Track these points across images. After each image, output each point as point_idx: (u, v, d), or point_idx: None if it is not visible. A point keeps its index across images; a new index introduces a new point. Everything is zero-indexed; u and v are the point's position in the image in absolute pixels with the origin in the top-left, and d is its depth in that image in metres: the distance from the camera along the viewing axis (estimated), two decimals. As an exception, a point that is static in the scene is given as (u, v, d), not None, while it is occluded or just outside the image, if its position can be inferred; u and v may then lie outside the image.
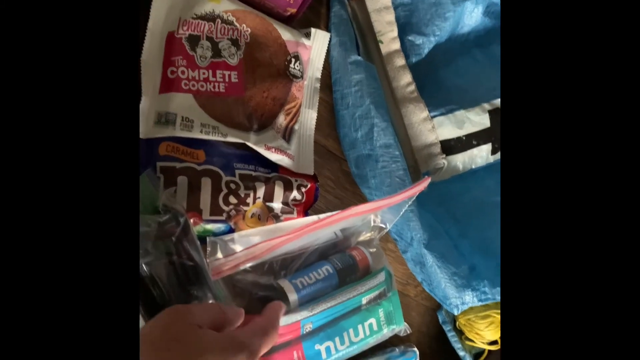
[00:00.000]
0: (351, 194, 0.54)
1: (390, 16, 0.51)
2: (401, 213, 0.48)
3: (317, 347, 0.46)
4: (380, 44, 0.52)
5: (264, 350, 0.35)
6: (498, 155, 0.57)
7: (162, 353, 0.29)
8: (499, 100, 0.55)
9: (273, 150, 0.46)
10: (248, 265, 0.44)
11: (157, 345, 0.29)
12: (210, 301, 0.40)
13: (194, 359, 0.29)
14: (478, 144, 0.55)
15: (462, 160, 0.55)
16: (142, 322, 0.37)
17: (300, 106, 0.49)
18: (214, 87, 0.43)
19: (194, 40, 0.42)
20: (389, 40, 0.52)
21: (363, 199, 0.54)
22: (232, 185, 0.44)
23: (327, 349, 0.47)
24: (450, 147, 0.54)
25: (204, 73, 0.43)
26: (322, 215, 0.45)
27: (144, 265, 0.37)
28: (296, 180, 0.48)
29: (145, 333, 0.30)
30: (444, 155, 0.53)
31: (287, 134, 0.48)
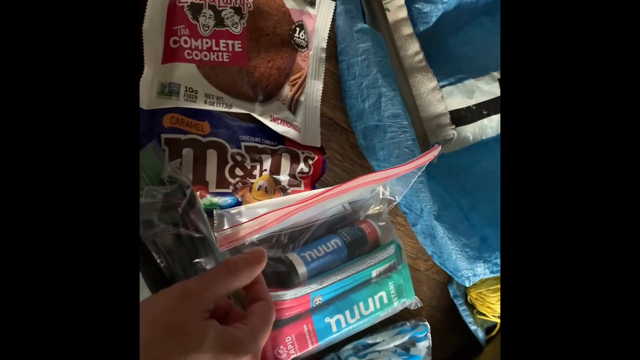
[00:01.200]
0: (359, 166, 0.53)
1: (397, -17, 0.50)
2: (410, 184, 0.47)
3: (327, 320, 0.46)
4: (386, 12, 0.50)
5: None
6: (509, 126, 0.56)
7: (160, 344, 0.27)
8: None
9: (279, 121, 0.45)
10: (256, 237, 0.43)
11: (158, 331, 0.28)
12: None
13: (191, 354, 0.28)
14: (488, 114, 0.53)
15: (472, 130, 0.54)
16: (148, 294, 0.37)
17: (305, 77, 0.48)
18: (217, 56, 0.42)
19: (196, 9, 0.41)
20: (396, 8, 0.51)
21: (371, 172, 0.53)
22: (238, 158, 0.44)
23: (337, 322, 0.46)
24: (460, 117, 0.53)
25: (207, 42, 0.42)
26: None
27: (150, 237, 0.36)
28: (303, 153, 0.47)
29: (148, 320, 0.28)
30: (454, 126, 0.52)
31: (293, 105, 0.47)
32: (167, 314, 0.29)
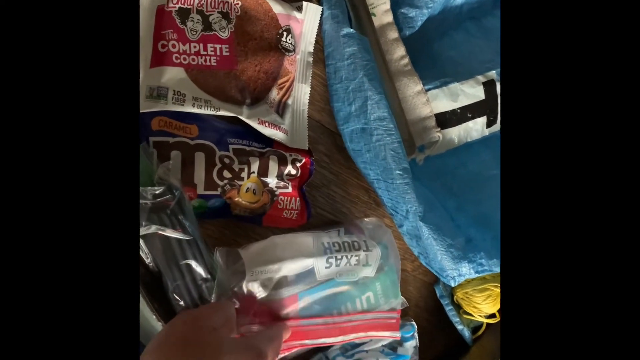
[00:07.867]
0: (346, 169, 0.54)
1: (383, -12, 0.51)
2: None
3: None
4: (372, 17, 0.51)
5: (272, 356, 0.37)
6: (493, 128, 0.57)
7: (181, 356, 0.31)
8: (493, 72, 0.55)
9: (266, 124, 0.46)
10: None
11: (178, 346, 0.31)
12: (204, 274, 0.40)
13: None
14: (473, 117, 0.54)
15: (457, 133, 0.55)
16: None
17: (293, 81, 0.49)
18: (205, 60, 0.43)
19: (184, 14, 0.42)
20: (382, 12, 0.51)
21: (358, 174, 0.54)
22: (226, 160, 0.44)
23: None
24: (445, 120, 0.54)
25: (194, 46, 0.42)
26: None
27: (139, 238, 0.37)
28: (290, 155, 0.48)
29: (162, 341, 0.32)
30: (439, 129, 0.53)
31: (281, 108, 0.48)
32: (179, 339, 0.32)
